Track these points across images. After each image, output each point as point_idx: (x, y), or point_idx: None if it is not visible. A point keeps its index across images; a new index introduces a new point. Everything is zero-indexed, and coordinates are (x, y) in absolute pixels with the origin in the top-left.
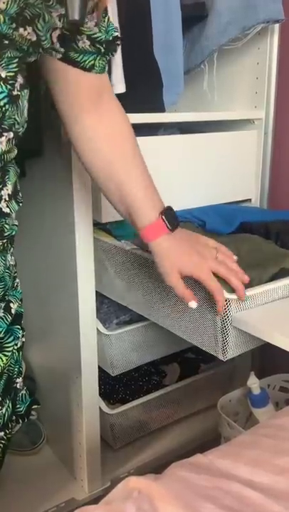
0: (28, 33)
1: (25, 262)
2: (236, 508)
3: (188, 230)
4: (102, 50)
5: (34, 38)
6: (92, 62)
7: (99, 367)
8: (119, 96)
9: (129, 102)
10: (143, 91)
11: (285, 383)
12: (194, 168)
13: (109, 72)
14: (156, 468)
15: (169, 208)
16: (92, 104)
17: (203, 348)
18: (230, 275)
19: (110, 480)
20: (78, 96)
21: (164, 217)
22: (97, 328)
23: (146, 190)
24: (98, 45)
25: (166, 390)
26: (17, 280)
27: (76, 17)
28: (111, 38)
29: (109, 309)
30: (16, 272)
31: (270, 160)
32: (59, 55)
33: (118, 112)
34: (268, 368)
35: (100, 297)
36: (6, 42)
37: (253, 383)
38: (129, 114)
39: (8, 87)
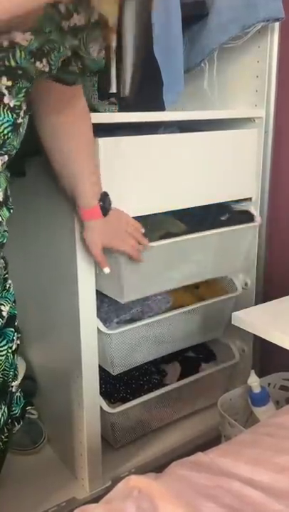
0: (43, 65)
1: (25, 261)
2: (237, 507)
3: (118, 213)
4: (86, 73)
5: (47, 69)
6: (75, 80)
7: (99, 366)
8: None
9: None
10: (143, 90)
11: (286, 382)
12: (194, 167)
13: (108, 76)
14: (157, 467)
15: (105, 194)
16: (63, 104)
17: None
18: (131, 248)
19: (111, 479)
20: (53, 99)
21: (100, 205)
22: (98, 327)
23: (92, 181)
24: (86, 70)
25: (167, 389)
26: (9, 281)
27: (127, 93)
28: (97, 69)
29: (109, 308)
30: (6, 274)
31: (270, 158)
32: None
33: (83, 113)
34: (269, 366)
35: (101, 296)
36: (21, 72)
37: (254, 382)
38: (129, 113)
39: (14, 115)
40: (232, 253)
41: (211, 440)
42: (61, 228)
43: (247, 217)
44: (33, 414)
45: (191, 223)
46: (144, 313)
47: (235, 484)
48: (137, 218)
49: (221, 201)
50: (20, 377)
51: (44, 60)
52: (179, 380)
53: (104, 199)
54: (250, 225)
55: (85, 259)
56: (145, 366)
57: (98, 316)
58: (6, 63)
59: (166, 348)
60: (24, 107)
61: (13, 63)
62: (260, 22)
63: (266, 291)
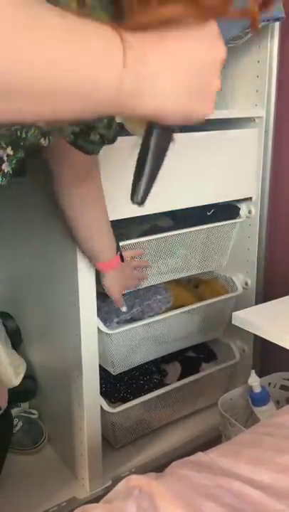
0: (45, 141)
1: (24, 261)
2: (237, 507)
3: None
4: (105, 142)
5: (46, 144)
6: (94, 149)
7: (100, 366)
8: None
9: None
10: None
11: (286, 381)
12: (194, 167)
13: None
14: (158, 467)
15: (118, 243)
16: (84, 176)
17: None
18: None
19: (111, 479)
20: (73, 169)
21: (120, 255)
22: (98, 327)
23: (110, 237)
24: (105, 140)
25: (168, 389)
26: None
27: (139, 200)
28: (114, 137)
29: (110, 308)
30: None
31: (270, 158)
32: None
33: (99, 183)
34: (269, 366)
35: (101, 296)
36: (22, 144)
37: (254, 382)
38: None
39: (4, 179)
40: (218, 248)
41: (211, 440)
42: (61, 228)
43: (233, 211)
44: (33, 413)
45: (178, 218)
46: (144, 313)
47: (235, 484)
48: (133, 217)
49: (221, 201)
50: (20, 377)
51: (47, 138)
52: (179, 379)
53: (119, 247)
54: (236, 220)
55: (84, 259)
56: (145, 366)
57: (99, 315)
58: (18, 134)
59: (167, 348)
60: (11, 172)
61: (23, 135)
62: (261, 22)
63: (266, 291)
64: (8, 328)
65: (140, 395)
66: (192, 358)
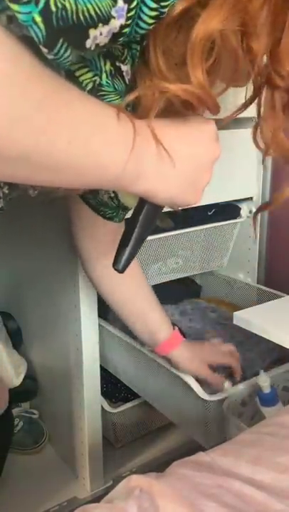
0: (32, 192)
1: (26, 261)
2: (238, 507)
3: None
4: (119, 206)
5: (33, 195)
6: (112, 214)
7: (100, 366)
8: None
9: None
10: None
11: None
12: None
13: None
14: (159, 466)
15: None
16: (111, 245)
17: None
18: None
19: (112, 479)
20: (98, 238)
21: (178, 328)
22: (99, 326)
23: (161, 310)
24: (115, 201)
25: None
26: None
27: (120, 268)
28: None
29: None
30: None
31: (271, 157)
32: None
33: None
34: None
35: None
36: (16, 186)
37: (264, 382)
38: None
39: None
40: (219, 248)
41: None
42: (60, 229)
43: (233, 211)
44: (34, 413)
45: (178, 218)
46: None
47: (236, 484)
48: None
49: (222, 201)
50: (21, 377)
51: (37, 190)
52: None
53: (173, 323)
54: (237, 220)
55: None
56: None
57: (100, 315)
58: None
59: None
60: (5, 207)
61: (20, 185)
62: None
63: (268, 291)
64: (8, 328)
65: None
66: None
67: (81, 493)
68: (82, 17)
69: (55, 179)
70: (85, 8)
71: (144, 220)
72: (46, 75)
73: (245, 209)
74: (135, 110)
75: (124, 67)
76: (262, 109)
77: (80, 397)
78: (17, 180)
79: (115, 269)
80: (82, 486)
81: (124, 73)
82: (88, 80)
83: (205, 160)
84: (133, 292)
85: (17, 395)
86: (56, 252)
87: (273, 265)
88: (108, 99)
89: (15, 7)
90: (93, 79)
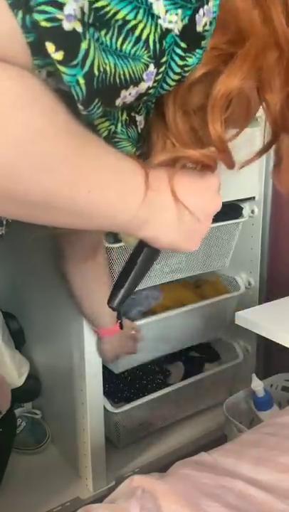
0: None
1: (28, 261)
2: (240, 507)
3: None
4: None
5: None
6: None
7: (103, 365)
8: None
9: None
10: None
11: (287, 383)
12: None
13: None
14: (161, 467)
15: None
16: (92, 252)
17: None
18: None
19: (115, 479)
20: (82, 246)
21: (119, 323)
22: None
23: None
24: None
25: (171, 389)
26: None
27: (115, 306)
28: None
29: None
30: None
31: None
32: None
33: (104, 254)
34: (272, 367)
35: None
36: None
37: (257, 386)
38: None
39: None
40: (221, 248)
41: (214, 440)
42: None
43: (235, 211)
44: (36, 414)
45: None
46: (130, 307)
47: (238, 484)
48: None
49: (224, 201)
50: (24, 377)
51: None
52: (182, 379)
53: (120, 315)
54: (239, 220)
55: None
56: (149, 366)
57: None
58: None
59: (169, 347)
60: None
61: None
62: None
63: (270, 291)
64: (11, 328)
65: (144, 395)
66: (195, 358)
67: (84, 494)
68: (118, 79)
69: (67, 222)
70: (121, 72)
71: (142, 262)
72: (76, 129)
73: (247, 209)
74: (146, 157)
75: (139, 118)
76: (281, 158)
77: (83, 397)
78: (30, 220)
79: (110, 307)
80: (84, 486)
81: (137, 122)
82: (104, 129)
83: (208, 211)
84: (95, 290)
85: (19, 395)
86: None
87: (275, 265)
88: (121, 146)
89: (63, 68)
90: (109, 127)
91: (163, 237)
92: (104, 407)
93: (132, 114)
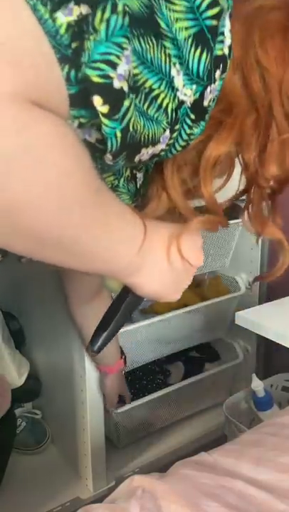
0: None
1: (28, 260)
2: (240, 506)
3: None
4: None
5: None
6: None
7: None
8: None
9: None
10: None
11: (287, 383)
12: None
13: None
14: (161, 467)
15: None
16: (96, 291)
17: None
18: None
19: (115, 479)
20: (85, 284)
21: (124, 358)
22: None
23: (116, 342)
24: None
25: (171, 389)
26: None
27: (95, 350)
28: None
29: None
30: None
31: None
32: None
33: (110, 297)
34: (273, 367)
35: None
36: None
37: (257, 386)
38: None
39: None
40: (221, 249)
41: (214, 440)
42: None
43: (236, 211)
44: (36, 414)
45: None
46: None
47: (238, 484)
48: None
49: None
50: (24, 377)
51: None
52: (182, 380)
53: (122, 350)
54: (239, 220)
55: None
56: (149, 366)
57: None
58: None
59: (170, 348)
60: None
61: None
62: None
63: (270, 291)
64: (11, 328)
65: (144, 395)
66: (195, 358)
67: (84, 494)
68: (143, 138)
69: (65, 260)
70: (147, 132)
71: (125, 308)
72: (95, 176)
73: None
74: (140, 209)
75: (139, 175)
76: (251, 204)
77: (83, 397)
78: (30, 254)
79: (91, 350)
80: (84, 487)
81: (137, 179)
82: (109, 182)
83: (194, 265)
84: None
85: (20, 395)
86: None
87: (276, 265)
88: (121, 199)
89: (105, 121)
90: (113, 181)
91: (149, 286)
92: (105, 407)
93: (134, 171)
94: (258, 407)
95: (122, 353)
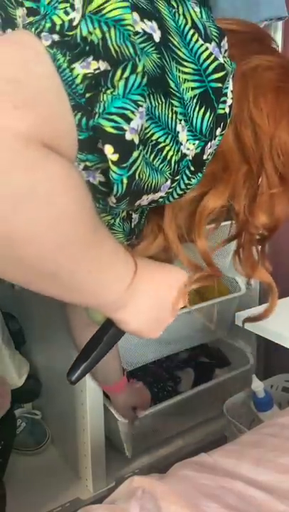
0: None
1: None
2: (240, 507)
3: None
4: None
5: None
6: None
7: None
8: None
9: None
10: None
11: (287, 383)
12: None
13: None
14: (161, 468)
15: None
16: None
17: None
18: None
19: (115, 479)
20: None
21: (126, 374)
22: None
23: (117, 360)
24: None
25: (183, 396)
26: None
27: (73, 380)
28: None
29: None
30: None
31: None
32: None
33: None
34: (273, 367)
35: None
36: None
37: (257, 387)
38: None
39: None
40: (221, 249)
41: (214, 441)
42: None
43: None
44: (36, 414)
45: None
46: None
47: (238, 485)
48: None
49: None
50: (24, 378)
51: None
52: (193, 386)
53: (123, 368)
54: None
55: None
56: (159, 372)
57: None
58: None
59: (170, 349)
60: None
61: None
62: (263, 21)
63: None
64: (11, 328)
65: (155, 404)
66: (206, 363)
67: (84, 494)
68: (146, 186)
69: (57, 293)
70: (150, 181)
71: (107, 340)
72: (94, 216)
73: None
74: (133, 247)
75: (134, 216)
76: (241, 249)
77: (83, 397)
78: (23, 284)
79: (68, 380)
80: (84, 487)
81: (132, 219)
82: (106, 221)
83: (177, 305)
84: None
85: (19, 395)
86: None
87: (276, 266)
88: (115, 237)
89: (114, 168)
90: (110, 221)
91: (132, 323)
92: (115, 417)
93: (130, 212)
94: (258, 408)
95: (123, 369)
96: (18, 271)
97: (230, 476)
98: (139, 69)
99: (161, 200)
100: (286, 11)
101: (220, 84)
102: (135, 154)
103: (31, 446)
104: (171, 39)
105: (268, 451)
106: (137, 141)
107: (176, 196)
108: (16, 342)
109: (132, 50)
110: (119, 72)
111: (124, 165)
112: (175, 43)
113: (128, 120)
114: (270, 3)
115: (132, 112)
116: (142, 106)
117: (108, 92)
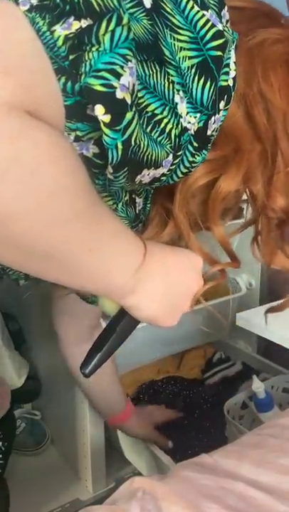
0: (22, 282)
1: None
2: (241, 508)
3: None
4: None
5: (21, 284)
6: (94, 298)
7: None
8: None
9: None
10: None
11: (288, 384)
12: None
13: None
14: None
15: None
16: (88, 333)
17: None
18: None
19: (115, 480)
20: (78, 323)
21: (131, 400)
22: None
23: (120, 388)
24: None
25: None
26: None
27: (87, 373)
28: None
29: None
30: None
31: None
32: None
33: None
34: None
35: None
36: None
37: (258, 387)
38: None
39: None
40: (222, 249)
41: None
42: None
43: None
44: (36, 415)
45: None
46: None
47: (239, 485)
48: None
49: None
50: (23, 378)
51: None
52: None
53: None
54: (240, 221)
55: None
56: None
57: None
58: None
59: (169, 349)
60: None
61: (7, 270)
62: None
63: (271, 292)
64: (10, 329)
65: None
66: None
67: (83, 495)
68: (145, 158)
69: (58, 276)
70: (150, 152)
71: (121, 330)
72: (90, 189)
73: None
74: (141, 232)
75: (138, 200)
76: (260, 235)
77: (83, 398)
78: (22, 268)
79: (82, 373)
80: (84, 488)
81: (136, 204)
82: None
83: (192, 290)
84: (105, 379)
85: (19, 396)
86: None
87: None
88: None
89: (106, 130)
90: (112, 205)
91: (145, 309)
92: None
93: (133, 195)
94: (259, 409)
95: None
96: (9, 250)
97: (230, 477)
98: (125, 21)
99: (164, 178)
100: (287, 11)
101: (219, 53)
102: (128, 116)
103: (31, 446)
104: (164, 5)
105: (269, 452)
106: (129, 100)
107: (180, 175)
108: (16, 342)
109: (115, 2)
110: (104, 25)
111: (118, 127)
112: (168, 9)
113: (118, 75)
114: (270, 3)
115: (121, 67)
116: (130, 61)
117: (94, 49)
